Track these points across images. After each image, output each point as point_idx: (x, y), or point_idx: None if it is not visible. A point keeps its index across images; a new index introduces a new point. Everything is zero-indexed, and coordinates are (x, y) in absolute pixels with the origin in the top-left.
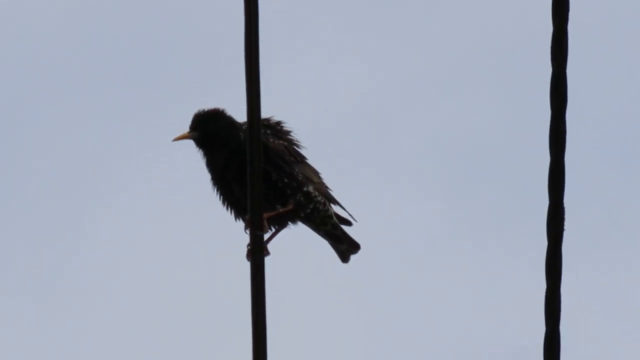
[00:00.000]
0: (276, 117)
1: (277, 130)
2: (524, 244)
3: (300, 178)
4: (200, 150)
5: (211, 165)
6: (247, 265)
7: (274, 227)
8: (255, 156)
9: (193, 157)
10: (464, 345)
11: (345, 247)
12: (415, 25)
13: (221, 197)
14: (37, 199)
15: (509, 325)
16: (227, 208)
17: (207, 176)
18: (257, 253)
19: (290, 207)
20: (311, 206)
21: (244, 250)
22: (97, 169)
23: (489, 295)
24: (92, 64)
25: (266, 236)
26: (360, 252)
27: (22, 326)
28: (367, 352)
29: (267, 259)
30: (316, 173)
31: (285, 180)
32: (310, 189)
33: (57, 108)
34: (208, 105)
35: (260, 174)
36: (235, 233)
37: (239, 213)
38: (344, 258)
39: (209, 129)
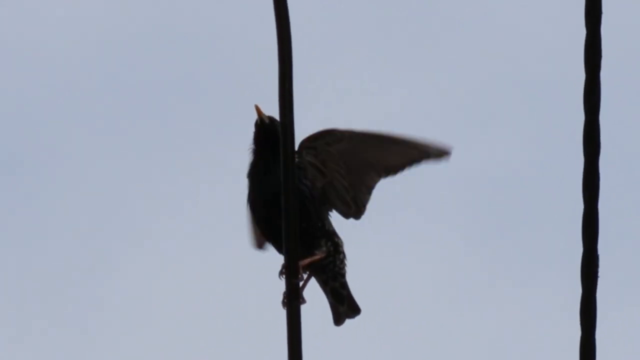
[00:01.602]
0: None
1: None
2: (558, 290)
3: (332, 225)
4: (254, 154)
5: (259, 187)
6: (282, 312)
7: (306, 273)
8: (291, 202)
9: (229, 195)
10: None
11: (345, 309)
12: (445, 58)
13: (263, 228)
14: (65, 232)
15: None
16: (268, 240)
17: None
18: (293, 301)
19: (323, 254)
20: (333, 258)
21: (279, 296)
22: (126, 207)
23: (522, 341)
24: (123, 99)
25: (300, 283)
26: (360, 315)
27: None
28: None
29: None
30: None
31: (319, 224)
32: (339, 239)
33: (89, 139)
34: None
35: (297, 220)
36: (270, 275)
37: (276, 242)
38: (338, 320)
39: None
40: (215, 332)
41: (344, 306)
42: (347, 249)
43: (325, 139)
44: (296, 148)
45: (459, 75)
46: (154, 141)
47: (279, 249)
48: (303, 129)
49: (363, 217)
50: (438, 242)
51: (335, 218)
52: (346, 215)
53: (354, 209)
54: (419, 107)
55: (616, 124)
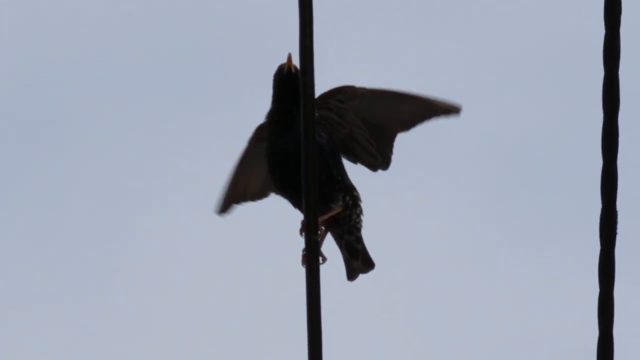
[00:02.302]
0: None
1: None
2: (576, 248)
3: (349, 179)
4: (273, 111)
5: (279, 140)
6: (302, 271)
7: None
8: (311, 156)
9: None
10: (515, 348)
11: (359, 264)
12: (464, 26)
13: (280, 181)
14: (81, 210)
15: (561, 330)
16: (284, 192)
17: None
18: (312, 259)
19: (340, 208)
20: (351, 212)
21: (298, 255)
22: (147, 165)
23: (541, 299)
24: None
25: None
26: (375, 269)
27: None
28: (421, 356)
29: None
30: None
31: (339, 177)
32: (357, 193)
33: (101, 112)
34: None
35: (316, 174)
36: (289, 234)
37: (292, 196)
38: (352, 275)
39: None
40: (234, 292)
41: (358, 261)
42: (363, 204)
43: (336, 96)
44: None
45: (476, 36)
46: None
47: (295, 204)
48: (320, 86)
49: (389, 169)
50: (455, 200)
51: (361, 171)
52: (374, 167)
53: (380, 159)
54: (435, 68)
55: (636, 79)
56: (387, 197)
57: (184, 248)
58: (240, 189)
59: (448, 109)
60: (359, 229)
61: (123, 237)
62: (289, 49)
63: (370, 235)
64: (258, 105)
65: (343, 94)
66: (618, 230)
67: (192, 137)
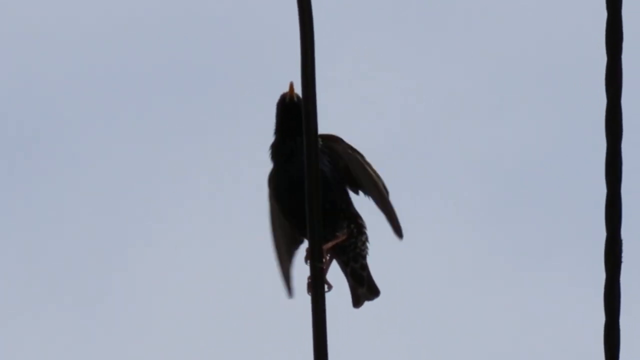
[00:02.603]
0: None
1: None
2: (581, 276)
3: (354, 207)
4: (277, 143)
5: (283, 169)
6: (307, 298)
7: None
8: (314, 182)
9: (252, 183)
10: None
11: (364, 291)
12: (463, 43)
13: (286, 210)
14: (88, 215)
15: (570, 351)
16: (289, 221)
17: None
18: (318, 286)
19: (344, 236)
20: (356, 239)
21: (303, 283)
22: (150, 190)
23: (545, 328)
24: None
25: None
26: (379, 298)
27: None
28: None
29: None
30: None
31: (344, 206)
32: (362, 221)
33: (113, 122)
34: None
35: (320, 201)
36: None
37: (298, 225)
38: (357, 302)
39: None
40: (239, 320)
41: (363, 288)
42: (368, 232)
43: (329, 139)
44: None
45: (478, 60)
46: (164, 132)
47: (300, 232)
48: (323, 111)
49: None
50: (459, 226)
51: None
52: (384, 198)
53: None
54: (436, 88)
55: (639, 106)
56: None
57: (184, 273)
58: (290, 246)
59: (395, 225)
60: (364, 257)
61: (123, 245)
62: (291, 69)
63: (375, 262)
64: (257, 122)
65: (336, 144)
66: (623, 259)
67: (192, 145)
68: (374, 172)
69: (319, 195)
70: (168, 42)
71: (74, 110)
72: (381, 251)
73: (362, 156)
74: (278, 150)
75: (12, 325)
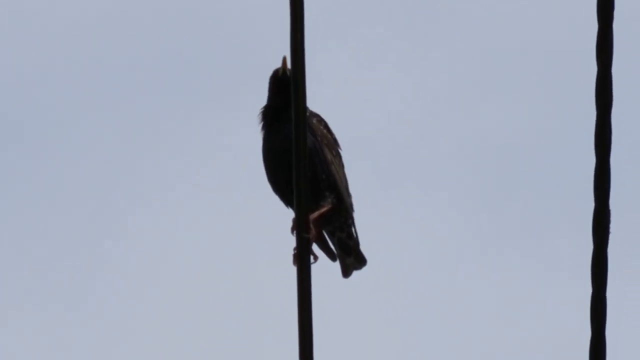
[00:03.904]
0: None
1: (324, 124)
2: (570, 249)
3: (336, 176)
4: (267, 110)
5: (272, 140)
6: (293, 270)
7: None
8: (302, 155)
9: (239, 151)
10: (508, 348)
11: (352, 261)
12: (452, 30)
13: (273, 180)
14: (76, 203)
15: (554, 331)
16: (278, 191)
17: (259, 148)
18: (304, 257)
19: (329, 206)
20: (339, 208)
21: (289, 254)
22: (141, 166)
23: (534, 301)
24: (136, 70)
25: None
26: (367, 266)
27: (59, 337)
28: (414, 355)
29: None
30: (345, 177)
31: (324, 176)
32: (343, 190)
33: (98, 112)
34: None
35: (308, 175)
36: (281, 234)
37: (288, 201)
38: (346, 272)
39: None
40: (226, 292)
41: (350, 257)
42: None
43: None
44: None
45: (469, 43)
46: (161, 114)
47: (287, 202)
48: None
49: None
50: (447, 199)
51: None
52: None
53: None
54: (427, 71)
55: (630, 76)
56: (382, 197)
57: (176, 245)
58: None
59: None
60: (349, 225)
61: (114, 237)
62: (282, 51)
63: (364, 233)
64: (251, 106)
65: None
66: (611, 230)
67: (185, 136)
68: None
69: (305, 166)
70: (161, 30)
71: (68, 103)
72: (375, 225)
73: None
74: (268, 118)
75: (8, 325)
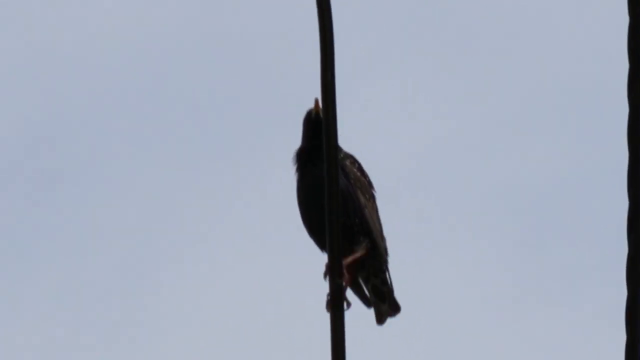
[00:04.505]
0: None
1: (357, 166)
2: (603, 294)
3: (369, 221)
4: (301, 152)
5: (305, 182)
6: (327, 316)
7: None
8: (334, 198)
9: (271, 198)
10: None
11: (386, 308)
12: (488, 69)
13: (307, 223)
14: (117, 243)
15: None
16: (312, 234)
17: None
18: (337, 303)
19: (363, 251)
20: (373, 253)
21: (323, 300)
22: (176, 210)
23: (569, 348)
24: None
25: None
26: (400, 314)
27: None
28: None
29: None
30: (379, 220)
31: (357, 220)
32: (377, 234)
33: (133, 150)
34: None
35: (341, 218)
36: (316, 279)
37: (322, 245)
38: (381, 319)
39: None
40: (261, 336)
41: (384, 304)
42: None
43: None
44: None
45: (498, 86)
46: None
47: (322, 246)
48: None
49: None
50: (482, 249)
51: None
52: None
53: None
54: (454, 113)
55: None
56: (417, 241)
57: (212, 291)
58: None
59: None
60: (383, 271)
61: (148, 285)
62: (312, 91)
63: (399, 279)
64: (284, 147)
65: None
66: None
67: (220, 180)
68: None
69: (338, 210)
70: (189, 72)
71: (105, 135)
72: (409, 271)
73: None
74: (301, 161)
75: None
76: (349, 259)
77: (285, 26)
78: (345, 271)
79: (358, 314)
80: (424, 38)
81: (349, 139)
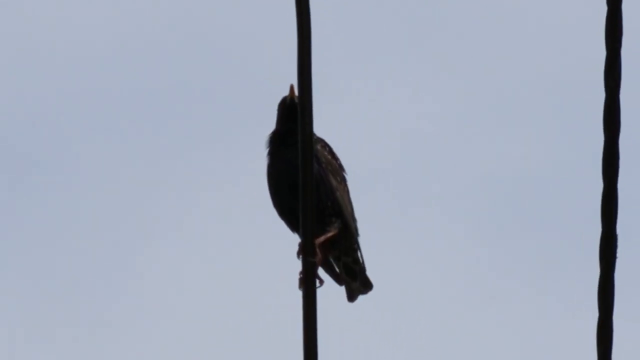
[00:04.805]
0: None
1: (328, 149)
2: (576, 273)
3: (341, 203)
4: (274, 136)
5: (277, 165)
6: (299, 294)
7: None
8: (309, 180)
9: (243, 177)
10: None
11: (357, 285)
12: (465, 62)
13: (278, 205)
14: (88, 235)
15: (563, 352)
16: (283, 216)
17: (265, 175)
18: (310, 281)
19: (335, 231)
20: (344, 233)
21: (295, 278)
22: (150, 198)
23: (541, 327)
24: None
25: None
26: (372, 292)
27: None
28: None
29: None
30: (350, 202)
31: (329, 203)
32: (348, 216)
33: (107, 142)
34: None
35: (314, 200)
36: (287, 259)
37: (293, 227)
38: (352, 297)
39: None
40: (232, 314)
41: (356, 282)
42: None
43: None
44: None
45: (478, 76)
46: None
47: (293, 227)
48: (325, 123)
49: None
50: (459, 232)
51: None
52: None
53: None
54: (432, 103)
55: (636, 103)
56: (393, 223)
57: (184, 270)
58: None
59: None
60: (355, 250)
61: (122, 268)
62: (292, 79)
63: (374, 259)
64: (257, 134)
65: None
66: (618, 255)
67: (192, 164)
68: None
69: (312, 191)
70: (164, 63)
71: (80, 128)
72: (382, 253)
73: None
74: (274, 144)
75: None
76: (322, 238)
77: (262, 19)
78: (317, 250)
79: (330, 291)
80: (402, 31)
81: (324, 125)
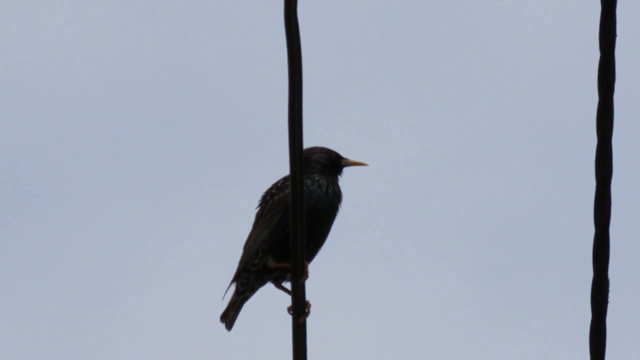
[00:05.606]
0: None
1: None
2: (568, 317)
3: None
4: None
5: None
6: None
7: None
8: (299, 202)
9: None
10: None
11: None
12: (454, 101)
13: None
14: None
15: None
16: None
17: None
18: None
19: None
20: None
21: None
22: (140, 229)
23: None
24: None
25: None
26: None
27: None
28: None
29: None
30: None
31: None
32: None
33: (94, 180)
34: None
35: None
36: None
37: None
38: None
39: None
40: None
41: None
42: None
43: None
44: None
45: (468, 116)
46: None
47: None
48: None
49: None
50: (446, 272)
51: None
52: None
53: None
54: (424, 142)
55: (628, 148)
56: (375, 265)
57: (169, 297)
58: None
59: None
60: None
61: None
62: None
63: (358, 297)
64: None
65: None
66: (610, 299)
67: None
68: None
69: (303, 217)
70: (163, 91)
71: (71, 162)
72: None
73: None
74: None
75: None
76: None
77: (253, 50)
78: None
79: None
80: (388, 69)
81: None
